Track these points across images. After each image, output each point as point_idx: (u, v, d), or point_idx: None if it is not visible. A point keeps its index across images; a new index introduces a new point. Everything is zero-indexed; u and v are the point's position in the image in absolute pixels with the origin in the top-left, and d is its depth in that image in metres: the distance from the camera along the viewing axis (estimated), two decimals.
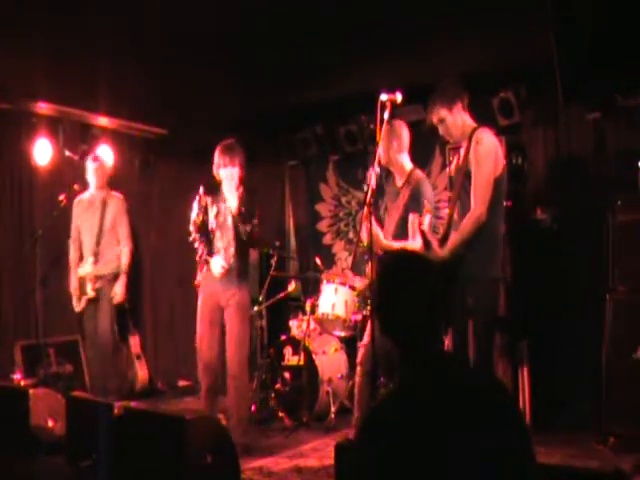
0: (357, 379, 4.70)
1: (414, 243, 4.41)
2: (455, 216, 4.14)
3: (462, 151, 4.18)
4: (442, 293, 2.00)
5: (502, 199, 4.13)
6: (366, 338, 4.63)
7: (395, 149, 4.64)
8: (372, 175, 4.19)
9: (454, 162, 4.32)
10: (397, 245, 4.47)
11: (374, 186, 4.17)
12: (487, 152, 4.03)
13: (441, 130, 4.23)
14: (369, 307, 4.90)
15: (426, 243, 4.06)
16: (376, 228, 4.37)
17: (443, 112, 4.15)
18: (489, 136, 4.10)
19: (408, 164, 4.71)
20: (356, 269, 5.53)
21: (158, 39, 5.21)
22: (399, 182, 4.69)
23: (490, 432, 1.79)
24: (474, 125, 4.17)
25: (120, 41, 5.17)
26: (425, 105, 4.29)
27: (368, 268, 4.75)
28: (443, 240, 4.08)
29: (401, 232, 4.55)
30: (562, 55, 3.51)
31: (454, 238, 4.00)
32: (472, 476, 1.73)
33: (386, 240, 4.53)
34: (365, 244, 4.33)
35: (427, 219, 4.42)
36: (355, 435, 2.22)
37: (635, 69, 3.38)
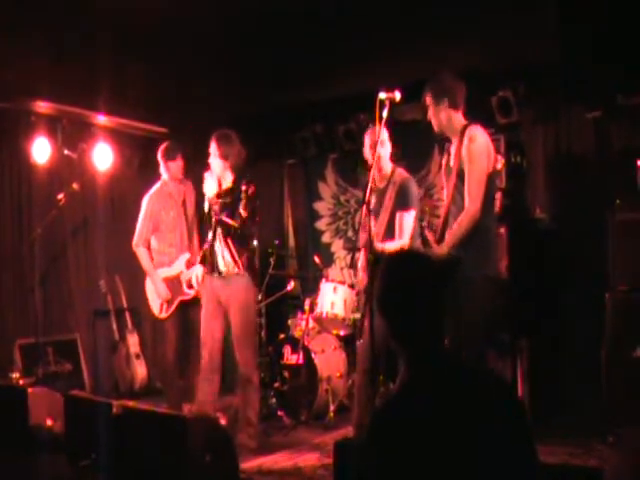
0: (356, 377, 4.71)
1: (402, 242, 4.50)
2: (450, 216, 4.15)
3: (453, 150, 4.18)
4: (444, 292, 2.00)
5: (494, 196, 4.14)
6: (363, 337, 4.64)
7: (384, 151, 4.67)
8: (373, 175, 4.25)
9: (446, 160, 4.32)
10: (388, 246, 4.48)
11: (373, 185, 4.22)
12: (480, 150, 4.03)
13: (428, 114, 4.25)
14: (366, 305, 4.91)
15: (424, 240, 4.09)
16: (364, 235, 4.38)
17: (427, 100, 4.18)
18: (481, 133, 4.10)
19: (388, 163, 4.74)
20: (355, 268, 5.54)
21: (158, 38, 5.21)
22: (379, 183, 4.71)
23: (493, 431, 1.79)
24: (464, 122, 4.17)
25: (120, 40, 5.16)
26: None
27: (362, 263, 4.77)
28: (440, 239, 4.09)
29: (391, 233, 4.57)
30: (563, 54, 3.52)
31: (450, 235, 4.01)
32: (476, 475, 1.73)
33: (377, 244, 4.51)
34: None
35: (411, 216, 4.53)
36: (360, 436, 2.22)
37: (636, 68, 3.38)
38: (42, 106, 6.73)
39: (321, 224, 7.93)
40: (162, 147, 5.78)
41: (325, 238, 7.89)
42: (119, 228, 6.31)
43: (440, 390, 1.86)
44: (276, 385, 6.09)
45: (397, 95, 4.11)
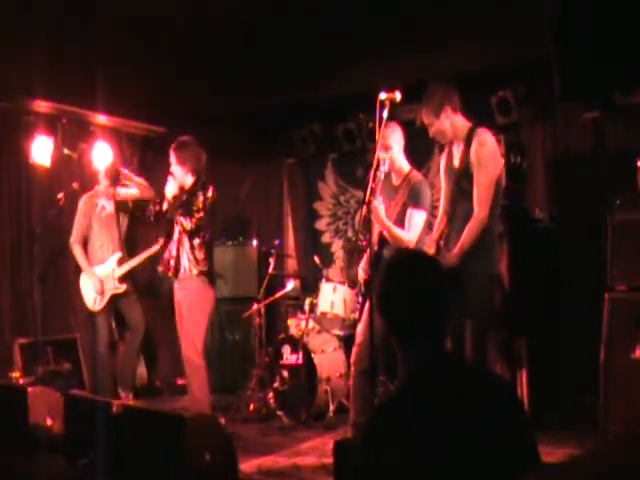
0: (351, 380, 4.73)
1: (409, 235, 4.53)
2: (454, 217, 4.14)
3: (457, 151, 4.17)
4: (445, 292, 2.00)
5: (500, 198, 4.14)
6: (359, 338, 4.65)
7: (395, 151, 4.67)
8: (377, 174, 4.26)
9: (446, 160, 4.31)
10: (394, 228, 4.52)
11: (376, 185, 4.24)
12: (490, 154, 4.04)
13: (431, 133, 4.25)
14: (362, 305, 4.94)
15: (438, 249, 4.09)
16: (377, 202, 4.39)
17: (431, 118, 4.16)
18: (491, 137, 4.10)
19: (406, 165, 4.76)
20: (350, 268, 5.58)
21: (157, 37, 5.20)
22: (396, 181, 4.73)
23: (492, 430, 1.79)
24: (469, 125, 4.16)
25: (119, 39, 5.15)
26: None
27: (363, 264, 4.80)
28: (445, 241, 4.11)
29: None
30: (562, 54, 3.52)
31: (461, 244, 4.01)
32: (474, 474, 1.73)
33: (385, 218, 4.54)
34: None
35: (421, 215, 4.57)
36: (358, 436, 2.22)
37: (634, 68, 3.39)
38: (41, 105, 6.72)
39: (321, 224, 7.94)
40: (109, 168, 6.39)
41: (325, 238, 7.89)
42: None
43: (439, 390, 1.86)
44: (275, 385, 6.08)
45: (397, 95, 4.11)
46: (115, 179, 6.27)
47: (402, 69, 5.78)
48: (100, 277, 6.24)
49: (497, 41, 5.35)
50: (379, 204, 4.41)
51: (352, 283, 5.92)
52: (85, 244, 6.37)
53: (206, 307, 5.34)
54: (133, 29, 5.02)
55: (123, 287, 6.28)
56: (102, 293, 6.22)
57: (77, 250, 6.32)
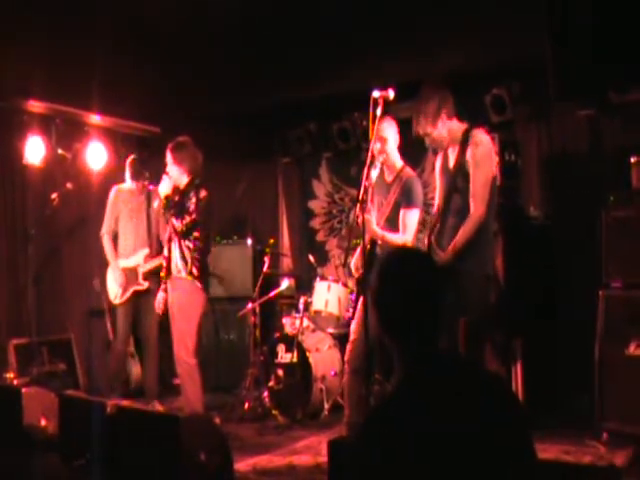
0: (345, 377, 4.72)
1: (405, 238, 4.50)
2: (448, 216, 4.14)
3: (452, 153, 4.17)
4: (441, 290, 1.99)
5: (495, 197, 4.14)
6: (353, 335, 4.64)
7: (390, 144, 4.66)
8: (370, 172, 4.26)
9: (441, 162, 4.30)
10: (388, 235, 4.51)
11: (369, 183, 4.23)
12: (485, 153, 4.04)
13: (427, 141, 4.22)
14: (356, 302, 4.94)
15: (430, 248, 4.09)
16: (368, 215, 4.38)
17: (428, 129, 4.12)
18: (486, 137, 4.10)
19: (399, 161, 4.74)
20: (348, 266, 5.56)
21: (153, 37, 5.19)
22: (389, 177, 4.71)
23: (490, 429, 1.78)
24: (464, 127, 4.15)
25: (117, 39, 5.14)
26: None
27: (356, 260, 4.77)
28: (438, 238, 4.10)
29: (391, 226, 4.58)
30: (557, 52, 3.52)
31: (455, 243, 4.01)
32: (472, 473, 1.73)
33: (377, 228, 4.53)
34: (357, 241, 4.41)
35: (415, 214, 4.56)
36: (354, 436, 2.21)
37: (629, 66, 3.39)
38: (35, 105, 6.70)
39: (315, 223, 7.94)
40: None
41: (319, 237, 7.90)
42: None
43: (436, 389, 1.85)
44: (270, 384, 6.08)
45: (390, 94, 4.11)
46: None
47: (397, 68, 5.78)
48: (124, 271, 6.14)
49: (495, 40, 5.35)
50: (371, 217, 4.42)
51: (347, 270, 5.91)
52: (116, 237, 6.30)
53: (197, 308, 5.32)
54: (132, 29, 5.01)
55: (146, 284, 6.15)
56: (125, 287, 6.13)
57: (106, 241, 6.24)
